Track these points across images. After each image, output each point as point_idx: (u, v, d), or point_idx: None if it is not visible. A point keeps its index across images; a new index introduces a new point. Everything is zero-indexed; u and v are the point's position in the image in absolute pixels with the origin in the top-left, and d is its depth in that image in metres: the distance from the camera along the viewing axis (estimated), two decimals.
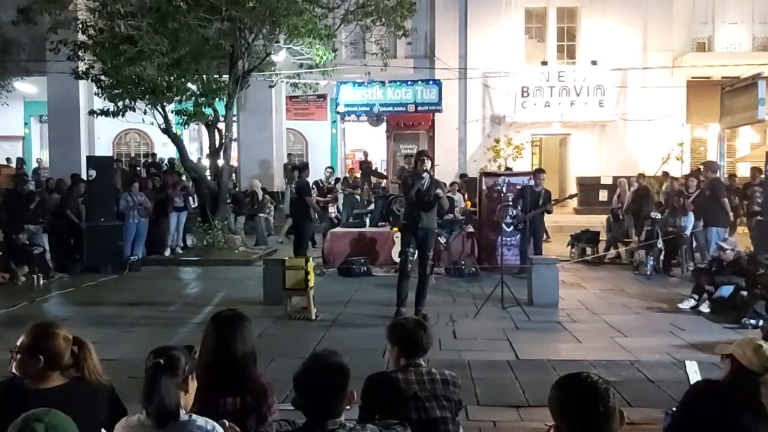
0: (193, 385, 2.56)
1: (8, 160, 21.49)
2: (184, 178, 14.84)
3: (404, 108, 19.54)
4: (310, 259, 8.43)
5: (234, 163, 19.04)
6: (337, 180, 17.30)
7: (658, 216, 11.67)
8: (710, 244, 10.66)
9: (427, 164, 7.71)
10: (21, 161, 20.86)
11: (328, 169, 17.62)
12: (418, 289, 7.83)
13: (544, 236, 14.36)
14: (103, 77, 12.73)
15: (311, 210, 12.03)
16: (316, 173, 16.00)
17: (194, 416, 2.46)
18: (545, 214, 11.33)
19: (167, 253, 13.14)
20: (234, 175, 19.04)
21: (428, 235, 7.74)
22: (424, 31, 20.47)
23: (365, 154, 21.69)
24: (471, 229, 12.12)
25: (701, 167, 13.20)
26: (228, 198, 14.72)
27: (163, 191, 13.38)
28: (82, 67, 13.21)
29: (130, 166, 14.33)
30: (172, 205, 13.17)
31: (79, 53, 12.91)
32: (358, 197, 15.44)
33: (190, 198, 14.38)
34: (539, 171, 11.67)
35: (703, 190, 11.44)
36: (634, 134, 20.26)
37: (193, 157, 19.27)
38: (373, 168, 19.99)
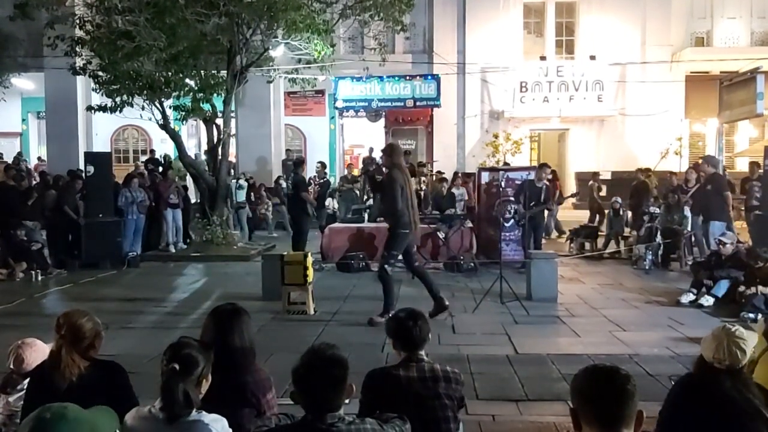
0: (206, 385, 2.62)
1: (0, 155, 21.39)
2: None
3: (403, 103, 19.58)
4: (309, 254, 8.43)
5: (232, 159, 19.02)
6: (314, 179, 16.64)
7: (657, 211, 11.69)
8: (711, 238, 10.64)
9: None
10: (17, 158, 20.76)
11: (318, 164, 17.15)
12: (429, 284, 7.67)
13: (553, 233, 14.38)
14: (100, 73, 12.69)
15: (308, 205, 12.03)
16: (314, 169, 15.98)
17: (203, 413, 2.50)
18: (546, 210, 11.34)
19: (172, 249, 13.15)
20: (233, 170, 19.01)
21: None
22: (423, 26, 20.45)
23: (370, 150, 21.65)
24: (470, 224, 12.12)
25: (700, 161, 13.18)
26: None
27: (153, 189, 13.32)
28: (79, 62, 13.17)
29: None
30: (165, 203, 13.14)
31: (77, 49, 12.87)
32: (358, 191, 15.39)
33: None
34: (544, 166, 11.54)
35: (702, 185, 11.41)
36: (632, 129, 20.26)
37: (191, 153, 19.23)
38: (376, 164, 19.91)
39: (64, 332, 3.06)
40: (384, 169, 7.42)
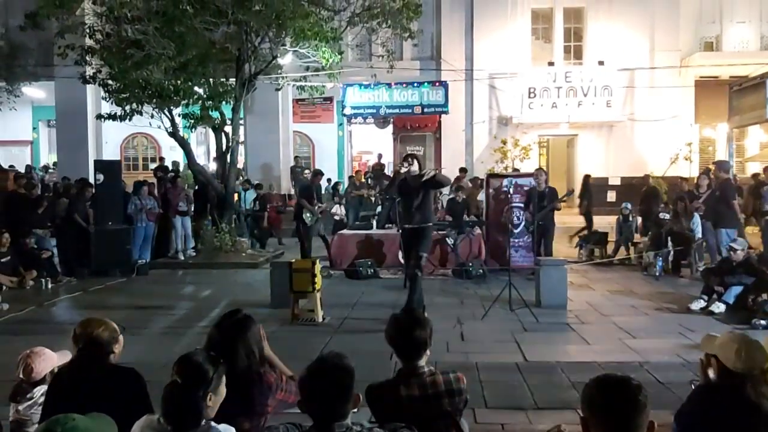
0: (216, 399, 2.57)
1: (11, 167, 21.52)
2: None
3: (410, 110, 19.62)
4: (317, 261, 8.43)
5: (241, 166, 19.09)
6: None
7: (667, 217, 11.62)
8: (721, 246, 10.57)
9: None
10: (30, 168, 20.89)
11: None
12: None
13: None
14: (110, 81, 12.77)
15: (306, 212, 12.02)
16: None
17: (213, 424, 2.48)
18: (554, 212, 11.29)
19: (181, 257, 13.17)
20: (241, 177, 19.07)
21: None
22: (430, 33, 20.47)
23: (379, 156, 21.72)
24: (478, 231, 12.09)
25: (712, 166, 13.08)
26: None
27: (162, 196, 13.36)
28: (89, 71, 13.26)
29: None
30: (174, 210, 13.18)
31: (87, 58, 12.97)
32: (372, 198, 15.38)
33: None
34: (538, 170, 11.80)
35: (713, 191, 11.33)
36: (642, 135, 20.18)
37: (200, 160, 19.31)
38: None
39: (82, 345, 3.07)
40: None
